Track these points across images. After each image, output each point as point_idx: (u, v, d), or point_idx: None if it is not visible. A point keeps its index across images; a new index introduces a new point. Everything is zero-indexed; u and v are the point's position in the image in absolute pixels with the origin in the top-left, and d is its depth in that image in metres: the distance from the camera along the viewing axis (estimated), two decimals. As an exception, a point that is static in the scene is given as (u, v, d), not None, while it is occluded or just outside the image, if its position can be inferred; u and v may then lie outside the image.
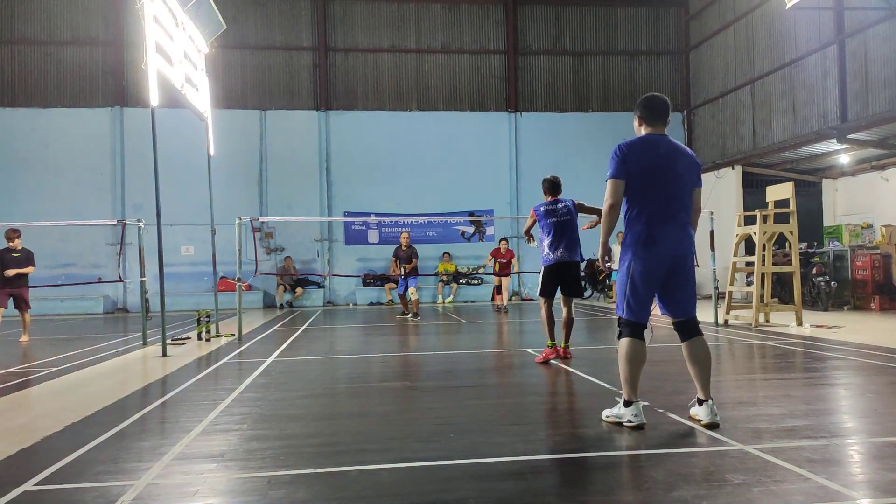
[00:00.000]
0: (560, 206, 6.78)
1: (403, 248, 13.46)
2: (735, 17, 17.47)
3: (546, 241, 6.76)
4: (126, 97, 18.29)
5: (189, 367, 6.98)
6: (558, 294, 6.93)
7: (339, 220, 18.38)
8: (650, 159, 3.94)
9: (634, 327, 3.95)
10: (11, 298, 10.21)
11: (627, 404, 3.93)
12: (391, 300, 18.17)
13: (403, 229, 16.78)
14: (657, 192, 3.92)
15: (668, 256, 3.91)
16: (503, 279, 14.44)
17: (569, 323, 6.87)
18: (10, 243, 10.23)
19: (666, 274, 3.93)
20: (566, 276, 6.77)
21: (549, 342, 6.84)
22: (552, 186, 6.92)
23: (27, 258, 10.32)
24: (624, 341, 3.95)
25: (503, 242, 14.76)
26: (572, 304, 6.92)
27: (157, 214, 7.94)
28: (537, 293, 6.94)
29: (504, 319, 12.60)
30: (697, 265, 4.55)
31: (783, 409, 4.45)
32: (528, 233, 7.29)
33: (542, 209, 6.84)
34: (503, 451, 3.55)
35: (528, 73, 19.95)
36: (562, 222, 6.71)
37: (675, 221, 3.94)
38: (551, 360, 6.72)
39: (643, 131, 4.10)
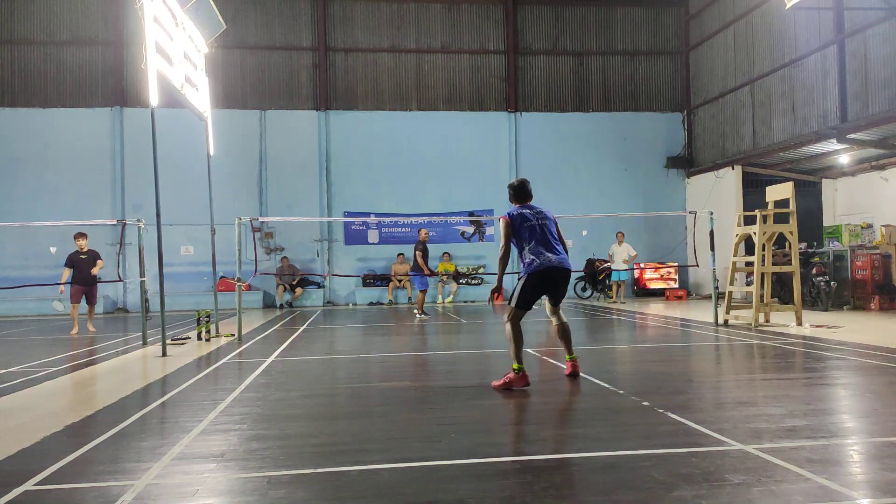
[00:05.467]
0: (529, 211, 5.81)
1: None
2: (735, 17, 17.45)
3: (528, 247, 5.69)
4: (126, 97, 18.26)
5: (189, 367, 6.98)
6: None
7: (339, 220, 18.36)
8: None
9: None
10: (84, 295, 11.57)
11: None
12: (391, 300, 18.23)
13: (423, 227, 14.63)
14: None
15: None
16: None
17: (565, 332, 5.95)
18: (79, 243, 11.54)
19: None
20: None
21: (515, 365, 5.46)
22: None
23: (94, 258, 11.65)
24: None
25: None
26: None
27: (157, 214, 7.95)
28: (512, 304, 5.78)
29: (504, 319, 12.55)
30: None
31: (783, 409, 4.45)
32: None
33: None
34: (503, 451, 3.55)
35: (528, 73, 19.92)
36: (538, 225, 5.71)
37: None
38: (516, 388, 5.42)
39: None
